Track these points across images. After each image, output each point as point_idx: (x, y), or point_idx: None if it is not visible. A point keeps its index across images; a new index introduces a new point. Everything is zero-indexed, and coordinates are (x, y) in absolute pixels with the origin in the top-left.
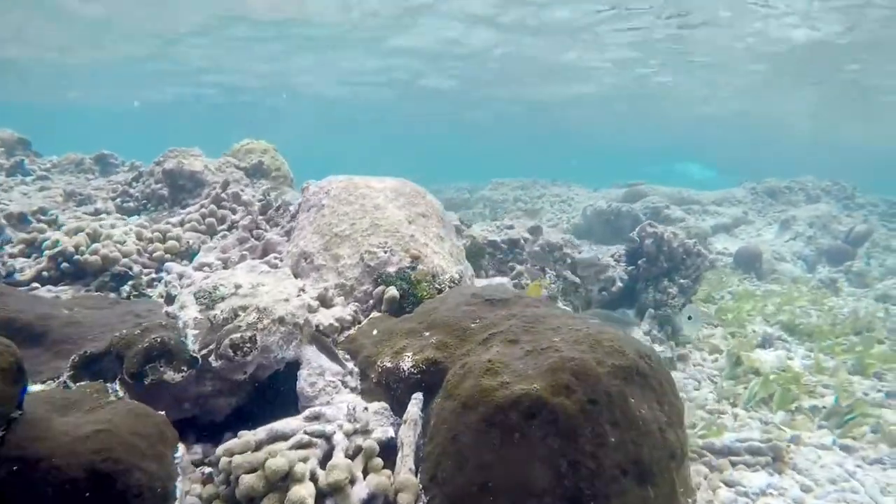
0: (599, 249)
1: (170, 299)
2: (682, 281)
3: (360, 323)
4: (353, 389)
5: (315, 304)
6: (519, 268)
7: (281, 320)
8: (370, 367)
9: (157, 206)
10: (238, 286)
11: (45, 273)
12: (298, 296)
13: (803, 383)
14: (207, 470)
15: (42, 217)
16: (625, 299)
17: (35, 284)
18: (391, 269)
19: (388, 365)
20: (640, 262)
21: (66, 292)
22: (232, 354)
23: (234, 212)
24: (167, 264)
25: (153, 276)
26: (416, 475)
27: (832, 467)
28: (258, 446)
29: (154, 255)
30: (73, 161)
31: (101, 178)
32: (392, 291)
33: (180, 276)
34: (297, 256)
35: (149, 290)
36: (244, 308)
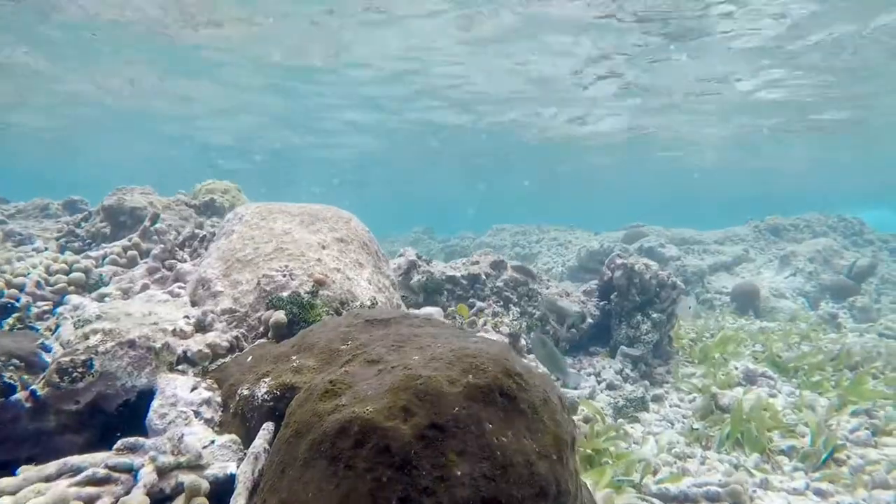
0: (570, 284)
1: (56, 331)
2: (654, 315)
3: (241, 350)
4: (208, 421)
5: (189, 329)
6: (480, 304)
7: (131, 343)
8: (231, 397)
9: (101, 245)
10: (128, 314)
11: None
12: (177, 321)
13: (782, 422)
14: None
15: None
16: (598, 336)
17: None
18: (286, 294)
19: (245, 393)
20: (612, 296)
21: None
22: (57, 380)
23: (164, 240)
24: (67, 296)
25: (49, 308)
26: None
27: None
28: (47, 481)
29: (56, 286)
30: (38, 206)
31: (50, 220)
32: (278, 316)
33: (75, 308)
34: (195, 284)
35: (39, 322)
36: (96, 331)
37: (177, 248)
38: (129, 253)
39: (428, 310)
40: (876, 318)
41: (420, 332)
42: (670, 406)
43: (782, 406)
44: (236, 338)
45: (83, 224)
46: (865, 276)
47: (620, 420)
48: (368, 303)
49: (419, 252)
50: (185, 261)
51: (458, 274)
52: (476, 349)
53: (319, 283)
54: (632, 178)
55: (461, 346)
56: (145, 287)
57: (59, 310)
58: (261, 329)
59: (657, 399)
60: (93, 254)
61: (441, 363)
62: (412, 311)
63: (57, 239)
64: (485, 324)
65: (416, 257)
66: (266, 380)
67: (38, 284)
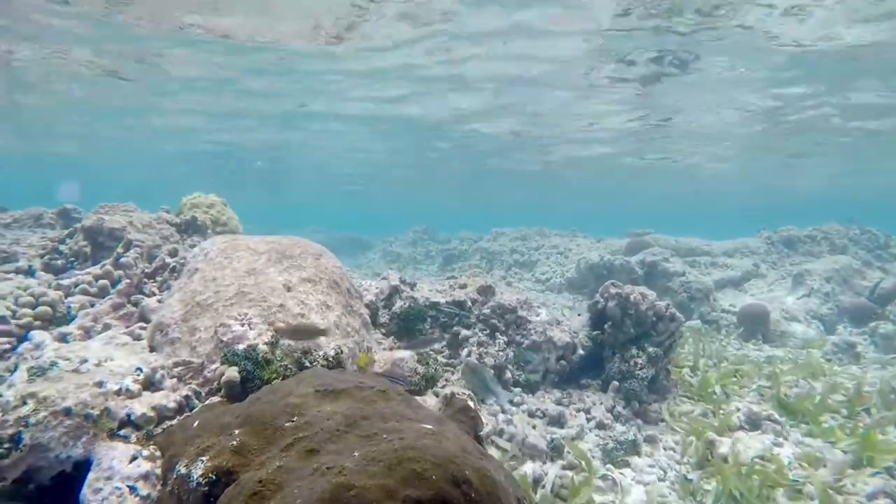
0: (568, 297)
1: (14, 372)
2: (650, 349)
3: (191, 410)
4: (144, 499)
5: (136, 387)
6: (465, 332)
7: (66, 412)
8: (170, 471)
9: (84, 265)
10: (83, 360)
11: None
12: (126, 377)
13: (787, 479)
14: None
15: None
16: (589, 368)
17: None
18: (243, 346)
19: (182, 472)
20: (605, 326)
21: None
22: None
23: (129, 274)
24: (32, 332)
25: (11, 346)
26: None
27: None
28: None
29: (21, 321)
30: (33, 216)
31: (37, 234)
32: (230, 374)
33: (36, 347)
34: (153, 328)
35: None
36: (32, 395)
37: (144, 281)
38: (100, 282)
39: (400, 354)
40: None
41: (370, 411)
42: (664, 449)
43: (788, 458)
44: (186, 397)
45: (68, 241)
46: (891, 298)
47: (609, 465)
48: (332, 353)
49: (416, 251)
50: (153, 294)
51: (443, 300)
52: (422, 448)
53: (280, 333)
54: (641, 181)
55: (406, 445)
56: (107, 327)
57: (21, 348)
58: (215, 384)
59: (651, 440)
60: (65, 281)
61: (380, 467)
62: (383, 353)
63: (41, 256)
64: (469, 355)
65: (400, 282)
66: (204, 458)
67: (2, 319)
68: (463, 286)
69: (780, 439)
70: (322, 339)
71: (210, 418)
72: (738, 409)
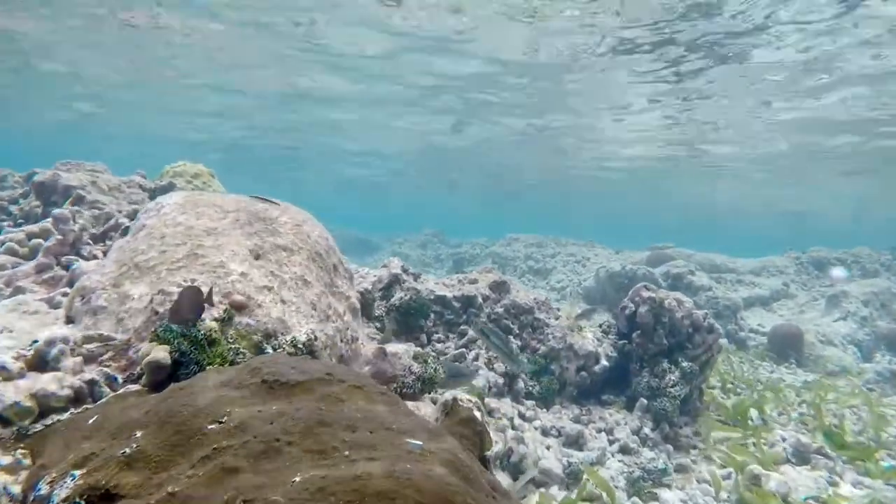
0: (585, 307)
1: None
2: (685, 364)
3: (95, 400)
4: None
5: (14, 366)
6: (473, 332)
7: None
8: (31, 490)
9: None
10: None
11: None
12: (9, 351)
13: None
14: None
15: None
16: (614, 382)
17: None
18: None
19: (43, 492)
20: (633, 335)
21: None
22: None
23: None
24: None
25: None
26: None
27: None
28: None
29: None
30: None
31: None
32: (157, 354)
33: None
34: (74, 293)
35: None
36: None
37: (87, 242)
38: (33, 241)
39: (394, 347)
40: None
41: (335, 414)
42: (698, 482)
43: (848, 499)
44: (90, 382)
45: (21, 201)
46: None
47: (634, 499)
48: (304, 338)
49: (425, 254)
50: (96, 257)
51: (450, 294)
52: (402, 478)
53: (237, 308)
54: (662, 196)
55: (376, 472)
56: (19, 291)
57: None
58: (139, 368)
59: (682, 469)
60: None
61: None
62: (371, 345)
63: None
64: (476, 358)
65: (402, 270)
66: (77, 473)
67: None
68: (473, 281)
69: (835, 477)
70: (293, 319)
71: (114, 413)
72: (784, 440)
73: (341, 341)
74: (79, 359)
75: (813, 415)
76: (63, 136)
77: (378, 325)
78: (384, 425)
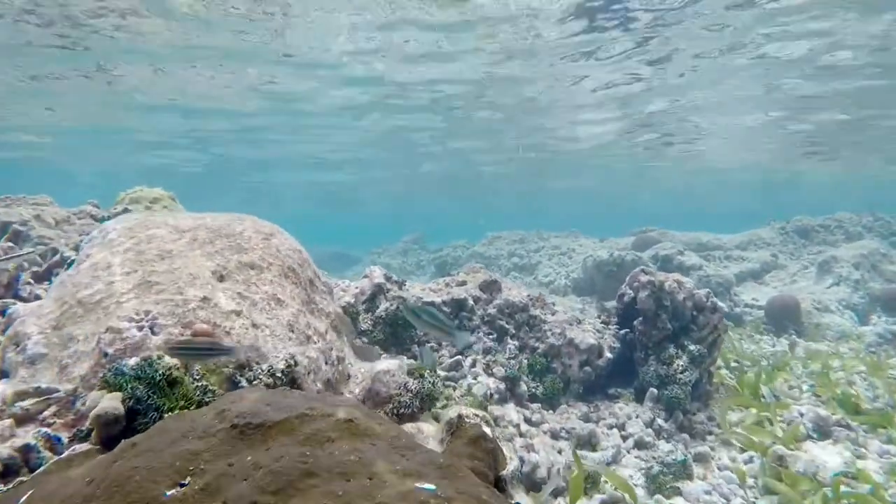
0: (575, 300)
1: None
2: (692, 347)
3: (32, 472)
4: None
5: None
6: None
7: None
8: None
9: None
10: None
11: None
12: None
13: (888, 501)
14: None
15: None
16: (620, 374)
17: None
18: (136, 360)
19: None
20: (635, 322)
21: None
22: None
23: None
24: None
25: None
26: None
27: None
28: None
29: None
30: None
31: None
32: (105, 405)
33: None
34: (6, 342)
35: None
36: None
37: (29, 282)
38: None
39: (385, 364)
40: None
41: (323, 459)
42: (720, 469)
43: (879, 476)
44: (23, 449)
45: None
46: None
47: (657, 497)
48: (282, 366)
49: (406, 262)
50: (37, 298)
51: (439, 299)
52: None
53: (201, 337)
54: (640, 179)
55: None
56: None
57: None
58: (88, 423)
59: (701, 459)
60: None
61: None
62: (361, 365)
63: None
64: (474, 364)
65: (385, 279)
66: None
67: None
68: (462, 283)
69: (860, 448)
70: (267, 345)
71: (52, 487)
72: (802, 415)
73: (326, 363)
74: (8, 422)
75: (823, 385)
76: (12, 169)
77: (366, 339)
78: (386, 468)
